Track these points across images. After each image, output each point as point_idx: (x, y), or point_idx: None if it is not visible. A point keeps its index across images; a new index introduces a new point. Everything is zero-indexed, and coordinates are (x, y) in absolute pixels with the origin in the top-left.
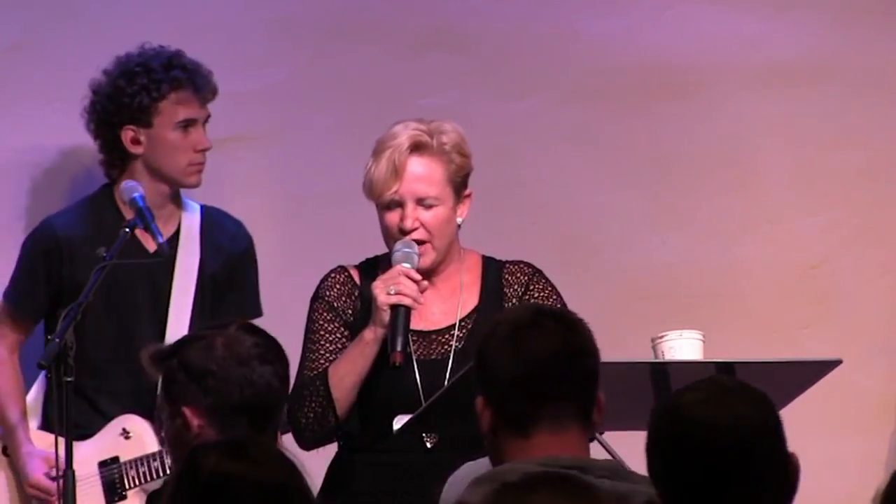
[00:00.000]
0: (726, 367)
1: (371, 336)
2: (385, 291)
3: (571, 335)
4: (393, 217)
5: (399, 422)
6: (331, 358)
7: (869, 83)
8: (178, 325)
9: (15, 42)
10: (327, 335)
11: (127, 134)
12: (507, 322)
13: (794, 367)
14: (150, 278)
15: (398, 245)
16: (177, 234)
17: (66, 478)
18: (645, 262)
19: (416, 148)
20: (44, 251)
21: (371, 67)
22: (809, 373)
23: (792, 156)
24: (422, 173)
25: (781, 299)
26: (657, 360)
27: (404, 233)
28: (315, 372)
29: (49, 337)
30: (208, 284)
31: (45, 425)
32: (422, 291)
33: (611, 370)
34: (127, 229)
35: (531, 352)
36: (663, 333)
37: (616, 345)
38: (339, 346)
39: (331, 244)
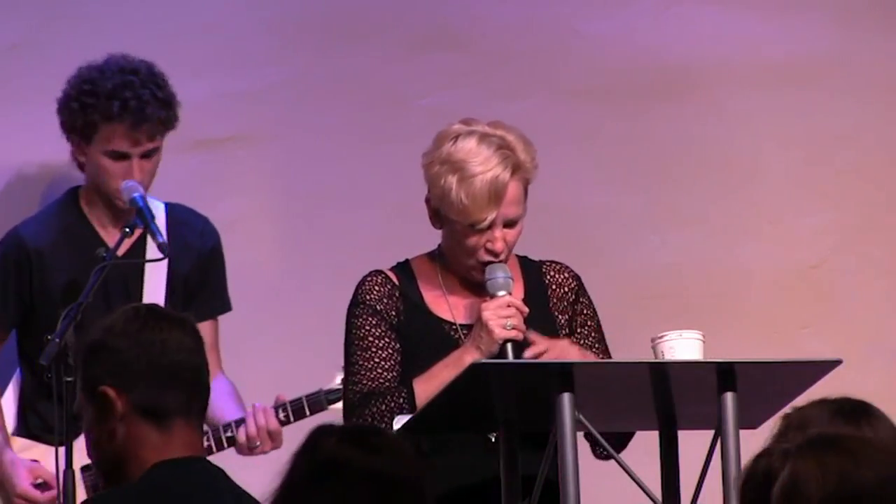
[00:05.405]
0: (726, 367)
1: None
2: (502, 325)
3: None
4: (477, 238)
5: (399, 422)
6: (386, 365)
7: (868, 83)
8: None
9: (15, 42)
10: (377, 341)
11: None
12: (135, 315)
13: (794, 367)
14: (122, 281)
15: (496, 271)
16: (144, 234)
17: (67, 478)
18: (645, 262)
19: (514, 171)
20: (14, 262)
21: (371, 67)
22: (809, 373)
23: (792, 156)
24: (514, 195)
25: (781, 299)
26: (657, 361)
27: (494, 255)
28: (383, 383)
29: (48, 337)
30: (180, 285)
31: (24, 431)
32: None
33: (611, 370)
34: (127, 229)
35: (175, 343)
36: (663, 333)
37: (616, 345)
38: (391, 350)
39: (330, 244)
